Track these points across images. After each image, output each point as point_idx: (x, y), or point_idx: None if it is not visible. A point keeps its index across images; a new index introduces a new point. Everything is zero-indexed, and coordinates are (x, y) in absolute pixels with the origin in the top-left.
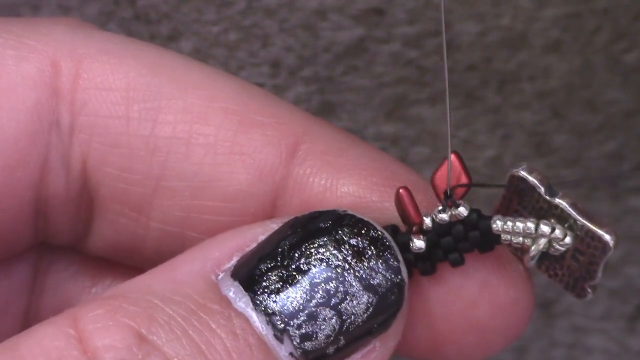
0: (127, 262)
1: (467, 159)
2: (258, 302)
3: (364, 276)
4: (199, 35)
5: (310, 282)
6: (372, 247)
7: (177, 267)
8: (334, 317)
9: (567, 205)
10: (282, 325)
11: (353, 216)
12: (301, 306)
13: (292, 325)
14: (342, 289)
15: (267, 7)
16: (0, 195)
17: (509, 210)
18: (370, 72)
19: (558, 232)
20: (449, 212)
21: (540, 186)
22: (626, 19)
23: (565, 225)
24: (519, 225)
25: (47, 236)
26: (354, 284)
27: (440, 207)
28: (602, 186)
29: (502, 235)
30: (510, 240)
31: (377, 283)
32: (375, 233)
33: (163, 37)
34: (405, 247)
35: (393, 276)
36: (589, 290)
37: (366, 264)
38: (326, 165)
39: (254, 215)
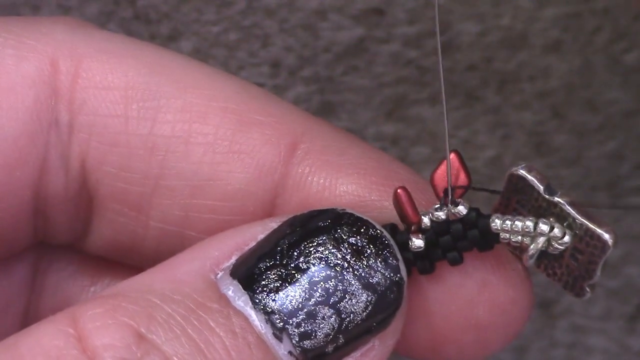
0: (127, 261)
1: (467, 159)
2: (257, 300)
3: (363, 275)
4: (199, 35)
5: (309, 280)
6: (371, 246)
7: (177, 266)
8: (333, 316)
9: (566, 204)
10: (281, 324)
11: (352, 215)
12: (300, 305)
13: (291, 324)
14: (341, 287)
15: (267, 7)
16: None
17: (507, 209)
18: (370, 72)
19: (557, 231)
20: (445, 210)
21: (539, 185)
22: (626, 19)
23: (564, 224)
24: (518, 224)
25: (47, 235)
26: (353, 282)
27: (437, 205)
28: (602, 186)
29: (501, 234)
30: (509, 239)
31: (376, 282)
32: (374, 232)
33: (163, 37)
34: (404, 246)
35: (392, 275)
36: (588, 289)
37: (365, 263)
38: (325, 164)
39: (253, 214)
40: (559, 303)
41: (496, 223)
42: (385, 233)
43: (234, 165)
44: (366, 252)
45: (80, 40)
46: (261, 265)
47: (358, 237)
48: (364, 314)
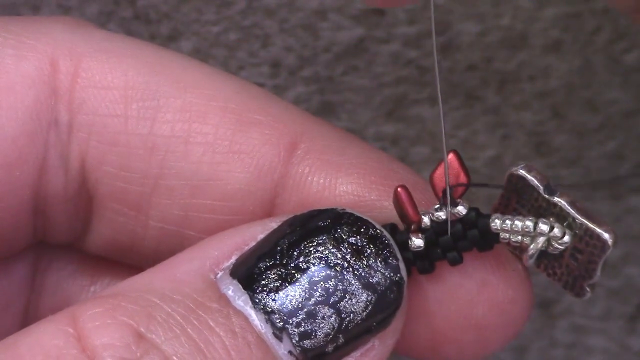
0: (126, 260)
1: (467, 159)
2: (257, 300)
3: (363, 274)
4: (199, 35)
5: (309, 280)
6: (371, 246)
7: (176, 265)
8: (333, 316)
9: (565, 204)
10: (281, 324)
11: (352, 215)
12: (300, 304)
13: (291, 324)
14: (341, 287)
15: (267, 7)
16: None
17: (507, 208)
18: (370, 72)
19: (557, 231)
20: (445, 210)
21: (539, 185)
22: (626, 19)
23: (564, 224)
24: (518, 223)
25: (46, 235)
26: (353, 282)
27: (437, 205)
28: (602, 186)
29: (500, 234)
30: (509, 238)
31: (376, 281)
32: (374, 231)
33: (163, 37)
34: (404, 246)
35: (392, 274)
36: (588, 289)
37: (365, 262)
38: (325, 164)
39: (252, 213)
40: (559, 303)
41: (496, 223)
42: (385, 233)
43: (233, 165)
44: (366, 251)
45: (80, 40)
46: (261, 265)
47: (358, 237)
48: (364, 313)
